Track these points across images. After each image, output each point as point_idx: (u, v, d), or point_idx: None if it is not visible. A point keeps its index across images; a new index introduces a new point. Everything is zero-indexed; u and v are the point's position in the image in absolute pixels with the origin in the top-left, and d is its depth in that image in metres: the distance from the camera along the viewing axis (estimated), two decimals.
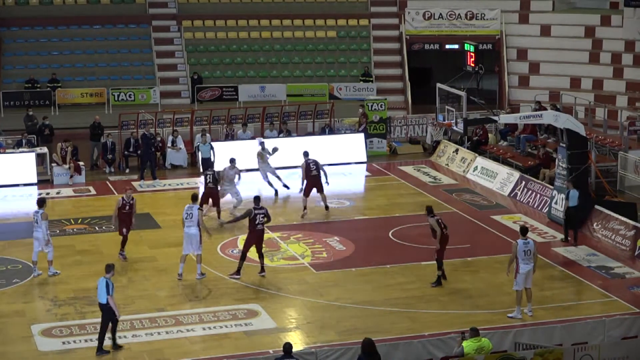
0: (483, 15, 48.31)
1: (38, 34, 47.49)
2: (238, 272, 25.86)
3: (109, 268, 21.74)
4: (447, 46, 48.31)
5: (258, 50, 48.28)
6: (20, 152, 36.41)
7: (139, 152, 37.46)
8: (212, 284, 25.60)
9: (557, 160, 31.22)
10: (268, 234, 29.52)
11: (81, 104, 44.37)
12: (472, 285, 25.58)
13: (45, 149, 36.92)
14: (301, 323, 23.34)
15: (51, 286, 25.50)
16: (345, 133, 40.29)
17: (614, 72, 45.43)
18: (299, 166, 32.29)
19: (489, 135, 39.89)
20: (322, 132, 40.28)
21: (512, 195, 33.80)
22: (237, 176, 31.89)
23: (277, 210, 32.11)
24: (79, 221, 30.98)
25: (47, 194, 34.15)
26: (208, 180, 30.96)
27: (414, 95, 46.62)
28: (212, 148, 35.13)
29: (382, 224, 30.57)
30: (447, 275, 25.83)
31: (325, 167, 31.93)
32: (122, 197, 27.36)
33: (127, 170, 37.37)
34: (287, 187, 33.73)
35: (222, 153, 37.15)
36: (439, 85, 39.63)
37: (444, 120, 37.86)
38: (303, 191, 31.60)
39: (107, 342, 21.69)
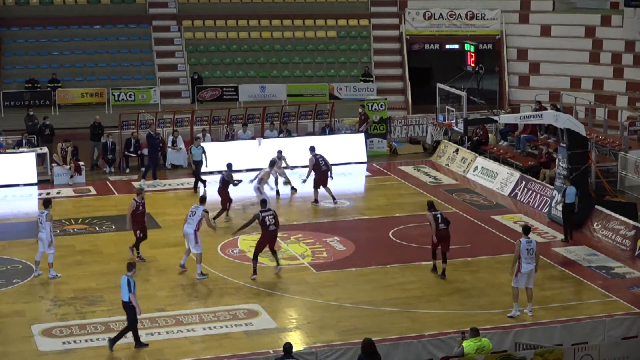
0: (483, 15, 48.31)
1: (38, 34, 47.49)
2: (255, 272, 25.98)
3: (131, 266, 21.84)
4: (448, 46, 48.32)
5: (258, 50, 48.28)
6: (21, 152, 36.41)
7: (139, 152, 37.54)
8: (213, 284, 25.61)
9: (557, 160, 31.22)
10: None
11: (81, 104, 44.37)
12: (472, 285, 25.58)
13: (45, 149, 36.92)
14: (301, 323, 23.34)
15: (51, 286, 25.50)
16: (345, 133, 40.28)
17: (614, 72, 45.44)
18: (306, 165, 32.96)
19: (489, 135, 39.89)
20: (323, 132, 40.28)
21: (512, 195, 33.80)
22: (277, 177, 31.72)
23: (277, 211, 32.08)
24: (79, 221, 30.97)
25: (48, 194, 34.15)
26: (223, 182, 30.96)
27: (414, 95, 46.62)
28: (204, 151, 34.96)
29: (382, 224, 30.57)
30: (446, 275, 25.85)
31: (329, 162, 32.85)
32: (135, 199, 27.19)
33: (128, 170, 37.36)
34: (295, 189, 33.92)
35: (222, 153, 37.24)
36: (439, 85, 39.63)
37: (444, 120, 37.86)
38: (314, 185, 32.46)
39: (114, 341, 21.72)
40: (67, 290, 25.19)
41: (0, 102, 43.53)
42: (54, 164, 35.88)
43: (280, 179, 33.99)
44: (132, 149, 37.48)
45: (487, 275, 26.24)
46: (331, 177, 32.76)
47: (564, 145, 30.21)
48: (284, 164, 34.37)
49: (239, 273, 26.30)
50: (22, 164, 35.73)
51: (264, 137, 38.43)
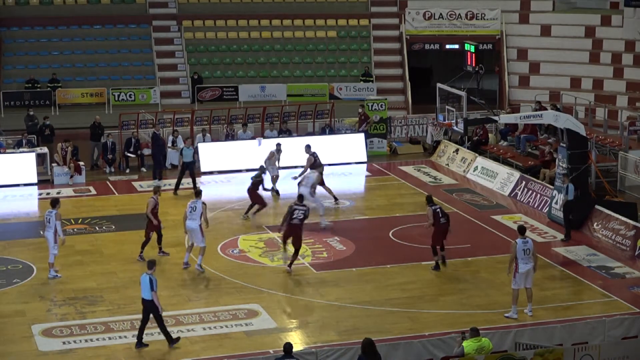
0: (483, 15, 48.33)
1: (38, 34, 47.52)
2: (290, 265, 26.53)
3: (152, 264, 21.87)
4: (448, 46, 48.35)
5: (258, 50, 48.30)
6: (21, 152, 36.41)
7: (139, 152, 37.56)
8: (213, 284, 25.62)
9: (557, 160, 31.22)
10: (268, 234, 29.60)
11: (81, 104, 44.41)
12: (472, 285, 25.58)
13: (45, 149, 36.93)
14: (301, 323, 23.34)
15: (51, 286, 25.50)
16: (345, 133, 40.28)
17: (614, 72, 45.46)
18: (303, 166, 32.89)
19: (489, 135, 39.89)
20: (323, 132, 40.28)
21: (512, 195, 33.80)
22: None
23: (278, 210, 32.12)
24: (79, 221, 30.97)
25: (48, 193, 34.17)
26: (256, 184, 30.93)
27: (414, 95, 46.64)
28: (196, 152, 34.88)
29: (382, 224, 30.56)
30: (448, 276, 25.88)
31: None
32: (153, 197, 27.20)
33: (128, 171, 37.37)
34: (278, 193, 33.73)
35: (223, 153, 37.34)
36: (439, 85, 39.62)
37: (444, 120, 37.87)
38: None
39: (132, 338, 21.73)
40: (68, 290, 25.19)
41: (1, 102, 43.56)
42: (54, 164, 35.88)
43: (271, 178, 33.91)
44: (132, 149, 37.48)
45: (487, 275, 26.24)
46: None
47: (564, 145, 30.21)
48: (276, 164, 34.23)
49: (239, 273, 26.31)
50: (22, 164, 35.73)
51: (264, 137, 38.43)
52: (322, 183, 32.44)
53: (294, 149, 35.70)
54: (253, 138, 38.35)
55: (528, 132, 38.50)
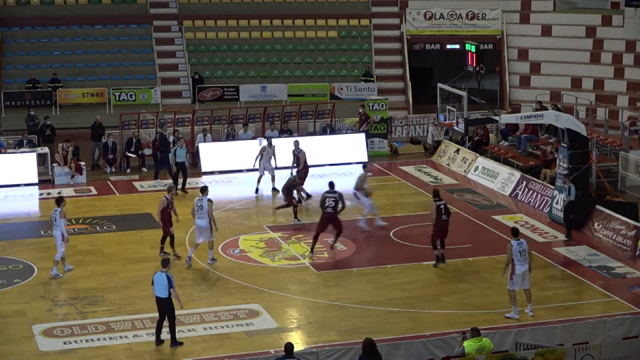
0: (484, 15, 48.34)
1: (39, 34, 47.53)
2: (312, 250, 27.31)
3: (166, 262, 21.92)
4: (448, 46, 48.37)
5: (259, 50, 48.31)
6: (22, 152, 36.41)
7: (139, 152, 37.56)
8: (214, 284, 25.62)
9: (558, 160, 31.22)
10: (269, 234, 29.60)
11: (82, 104, 44.42)
12: (473, 285, 25.59)
13: (46, 149, 36.94)
14: (302, 323, 23.35)
15: (52, 286, 25.51)
16: (346, 133, 40.28)
17: (614, 72, 45.46)
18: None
19: (490, 135, 39.88)
20: (323, 132, 40.29)
21: (513, 195, 33.80)
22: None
23: (278, 211, 32.13)
24: (80, 221, 30.96)
25: (49, 194, 34.20)
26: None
27: (415, 95, 46.64)
28: (187, 152, 34.87)
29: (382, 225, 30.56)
30: (448, 276, 25.90)
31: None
32: (165, 197, 27.17)
33: (129, 171, 37.36)
34: (277, 190, 33.76)
35: (223, 153, 37.32)
36: (440, 85, 39.62)
37: (445, 120, 37.87)
38: (300, 182, 32.49)
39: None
40: (68, 290, 25.21)
41: (1, 102, 43.58)
42: (54, 164, 35.88)
43: (267, 176, 33.86)
44: (132, 149, 37.49)
45: (487, 275, 26.24)
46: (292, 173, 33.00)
47: (565, 145, 30.21)
48: (273, 163, 34.17)
49: (240, 273, 26.32)
50: (23, 164, 35.73)
51: (265, 137, 38.39)
52: (301, 184, 32.54)
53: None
54: (254, 138, 38.33)
55: (529, 132, 38.50)
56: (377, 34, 49.59)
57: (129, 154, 37.54)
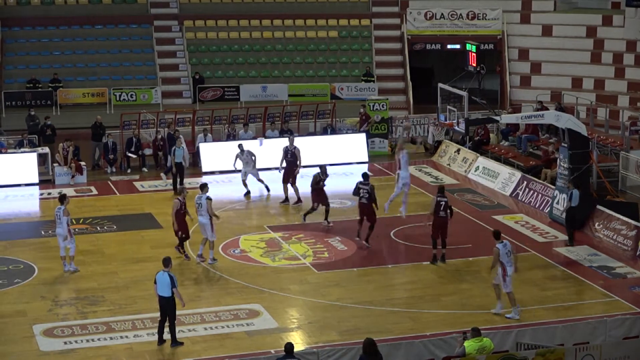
0: (484, 15, 48.34)
1: (39, 34, 47.54)
2: (359, 234, 28.33)
3: (168, 262, 21.94)
4: (449, 46, 48.39)
5: (259, 50, 48.32)
6: (22, 152, 36.41)
7: (140, 152, 37.57)
8: (214, 284, 25.62)
9: (558, 160, 31.21)
10: (270, 234, 29.60)
11: (83, 104, 44.44)
12: (473, 285, 25.57)
13: (46, 149, 36.94)
14: (303, 323, 23.34)
15: (53, 286, 25.51)
16: (347, 133, 40.29)
17: (615, 72, 45.46)
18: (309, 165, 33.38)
19: (491, 135, 39.88)
20: (324, 132, 40.29)
21: (513, 195, 33.80)
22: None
23: (279, 210, 32.14)
24: (81, 221, 30.95)
25: (49, 194, 34.20)
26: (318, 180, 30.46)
27: (416, 95, 46.64)
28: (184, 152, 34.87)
29: (383, 224, 30.50)
30: (449, 276, 25.89)
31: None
32: (178, 199, 27.15)
33: (129, 171, 37.37)
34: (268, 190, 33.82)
35: (224, 153, 37.25)
36: (440, 85, 39.62)
37: (446, 120, 37.86)
38: (292, 180, 32.66)
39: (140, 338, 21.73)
40: (69, 290, 25.21)
41: (2, 102, 43.59)
42: (55, 164, 35.88)
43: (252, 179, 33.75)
44: (133, 149, 37.50)
45: (488, 275, 26.09)
46: (280, 170, 33.13)
47: (566, 145, 30.20)
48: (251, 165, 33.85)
49: (240, 273, 26.32)
50: (24, 164, 35.73)
51: (266, 137, 38.42)
52: (293, 182, 32.54)
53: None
54: (254, 138, 38.33)
55: (529, 132, 38.49)
56: (377, 34, 49.59)
57: (130, 154, 37.54)
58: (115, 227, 30.53)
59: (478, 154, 37.21)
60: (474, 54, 41.09)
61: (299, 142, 37.07)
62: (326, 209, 30.34)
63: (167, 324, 21.80)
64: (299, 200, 32.57)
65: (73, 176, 35.69)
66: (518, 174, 34.35)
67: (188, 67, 47.09)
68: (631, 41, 45.56)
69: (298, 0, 50.67)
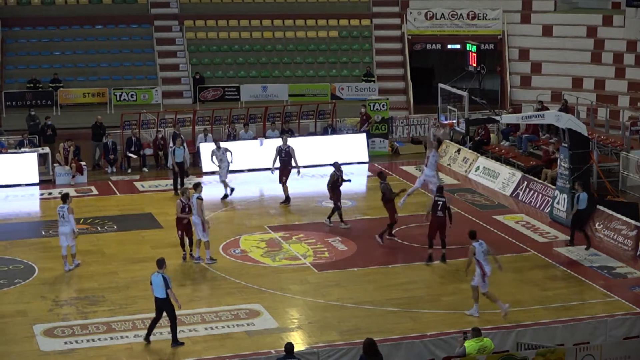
0: (485, 15, 48.35)
1: (40, 34, 47.54)
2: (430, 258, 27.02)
3: (162, 263, 21.89)
4: (449, 46, 48.40)
5: (260, 50, 48.32)
6: (22, 152, 36.41)
7: (140, 152, 37.58)
8: (215, 284, 25.63)
9: (559, 160, 31.21)
10: (270, 234, 29.61)
11: (83, 104, 44.43)
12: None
13: (47, 149, 36.96)
14: (303, 323, 23.35)
15: (53, 286, 25.51)
16: (347, 133, 40.29)
17: (615, 72, 45.47)
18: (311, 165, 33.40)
19: (491, 135, 39.88)
20: (325, 132, 40.28)
21: (514, 195, 33.80)
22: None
23: (280, 211, 32.15)
24: (81, 221, 30.91)
25: (50, 194, 34.21)
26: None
27: (416, 95, 46.64)
28: (185, 152, 34.82)
29: (384, 224, 30.46)
30: (449, 276, 25.90)
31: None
32: (181, 200, 27.06)
33: (129, 171, 37.38)
34: (232, 191, 33.63)
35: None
36: (441, 85, 39.63)
37: (446, 120, 37.86)
38: (284, 179, 32.51)
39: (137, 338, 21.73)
40: (69, 291, 25.22)
41: (2, 102, 43.60)
42: (55, 164, 35.88)
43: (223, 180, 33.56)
44: (132, 149, 37.50)
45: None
46: (273, 171, 33.01)
47: (566, 145, 30.20)
48: (229, 157, 33.59)
49: (240, 273, 26.33)
50: (24, 164, 35.73)
51: (266, 137, 38.43)
52: (285, 181, 32.47)
53: (295, 149, 35.62)
54: (255, 138, 38.34)
55: (530, 132, 38.49)
56: (378, 34, 49.59)
57: (130, 154, 37.54)
58: (115, 227, 30.54)
59: (478, 154, 37.21)
60: (474, 54, 41.10)
61: (300, 142, 37.20)
62: (334, 208, 30.28)
63: (168, 323, 21.80)
64: (287, 199, 32.48)
65: (73, 176, 35.69)
66: (518, 174, 34.35)
67: (188, 67, 47.09)
68: (631, 41, 45.56)
69: (298, 0, 50.67)
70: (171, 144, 37.19)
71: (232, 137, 38.60)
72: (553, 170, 33.26)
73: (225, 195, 33.33)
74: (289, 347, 18.88)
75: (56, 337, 22.39)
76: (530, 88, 46.48)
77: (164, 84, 46.06)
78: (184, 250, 27.21)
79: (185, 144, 35.35)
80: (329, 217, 30.35)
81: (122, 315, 23.44)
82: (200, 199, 26.78)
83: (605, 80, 45.37)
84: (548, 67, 47.01)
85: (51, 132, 38.39)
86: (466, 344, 19.37)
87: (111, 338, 22.22)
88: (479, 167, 36.36)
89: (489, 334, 20.22)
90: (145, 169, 37.49)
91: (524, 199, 33.26)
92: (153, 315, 22.78)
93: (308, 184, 34.73)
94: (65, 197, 26.74)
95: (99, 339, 22.25)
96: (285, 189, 32.60)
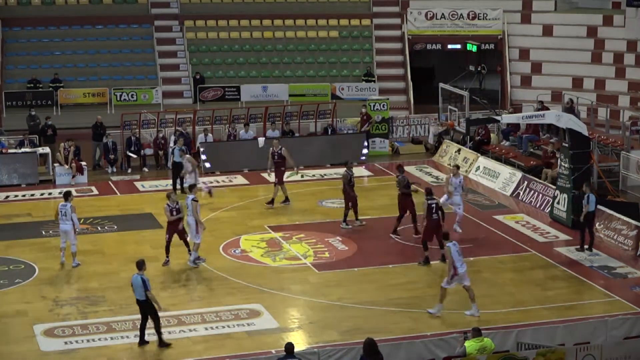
0: (485, 15, 48.34)
1: (40, 34, 47.53)
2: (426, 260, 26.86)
3: (141, 264, 21.85)
4: (450, 46, 48.38)
5: (260, 50, 48.31)
6: (23, 152, 36.40)
7: (141, 152, 37.59)
8: (215, 284, 25.62)
9: (559, 160, 31.21)
10: (270, 234, 29.60)
11: (83, 104, 44.44)
12: (474, 285, 25.45)
13: (47, 149, 36.96)
14: (303, 323, 23.34)
15: (53, 286, 25.51)
16: (347, 133, 40.28)
17: (616, 72, 45.46)
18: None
19: (492, 135, 39.87)
20: (325, 132, 40.28)
21: (514, 195, 33.80)
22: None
23: (280, 211, 32.14)
24: (81, 221, 30.84)
25: (50, 194, 34.21)
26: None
27: (416, 95, 46.63)
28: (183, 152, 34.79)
29: (384, 224, 30.52)
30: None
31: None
32: (167, 203, 26.85)
33: (129, 170, 37.39)
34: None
35: (224, 153, 37.32)
36: (441, 85, 39.63)
37: (447, 120, 37.86)
38: (279, 181, 32.33)
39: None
40: (69, 291, 25.22)
41: (3, 102, 43.59)
42: (56, 164, 35.88)
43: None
44: (132, 149, 37.50)
45: (489, 275, 26.23)
46: (269, 174, 32.97)
47: (566, 145, 30.20)
48: (188, 166, 32.85)
49: (241, 273, 26.32)
50: (24, 164, 35.69)
51: (266, 137, 38.42)
52: (281, 182, 32.32)
53: (295, 149, 35.65)
54: (255, 138, 38.34)
55: (530, 132, 38.48)
56: (378, 33, 49.58)
57: (130, 154, 37.54)
58: (115, 227, 30.54)
59: (479, 154, 37.21)
60: (475, 54, 41.07)
61: (300, 142, 37.23)
62: (352, 209, 30.19)
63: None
64: (271, 201, 32.34)
65: (74, 176, 35.71)
66: (519, 174, 34.35)
67: (189, 67, 47.09)
68: (632, 41, 45.56)
69: (298, 0, 50.66)
70: (172, 144, 37.37)
71: (233, 137, 38.61)
72: (553, 170, 33.26)
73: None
74: (289, 347, 18.87)
75: (56, 337, 22.39)
76: (530, 88, 46.47)
77: (164, 84, 46.06)
78: (168, 256, 26.96)
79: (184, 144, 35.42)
80: (347, 219, 30.31)
81: (123, 315, 23.43)
82: (195, 200, 26.69)
83: (605, 80, 45.37)
84: (548, 67, 47.00)
85: (51, 132, 38.40)
86: (466, 344, 19.37)
87: (111, 338, 22.22)
88: (479, 167, 36.35)
89: (489, 334, 20.22)
90: (146, 169, 37.50)
91: (524, 199, 33.26)
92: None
93: (308, 184, 34.71)
94: (67, 195, 26.84)
95: (100, 339, 22.25)
96: (283, 190, 32.40)
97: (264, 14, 49.63)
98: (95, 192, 34.86)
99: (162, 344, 21.72)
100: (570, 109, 37.52)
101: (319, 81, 47.01)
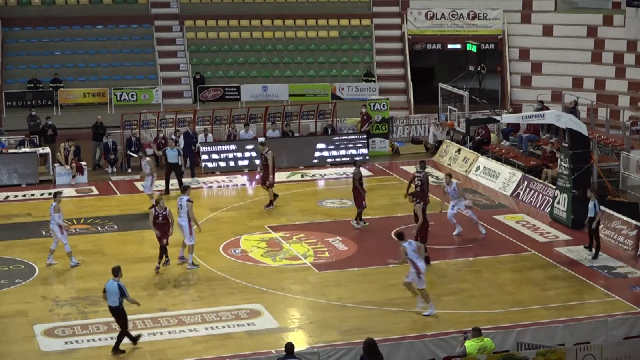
0: (485, 15, 48.35)
1: (40, 34, 47.55)
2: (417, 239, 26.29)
3: (117, 271, 21.61)
4: (450, 46, 48.40)
5: (260, 50, 48.32)
6: (23, 152, 36.41)
7: (140, 152, 37.59)
8: (215, 284, 25.61)
9: (559, 160, 31.21)
10: (270, 234, 29.60)
11: (83, 104, 44.45)
12: (474, 285, 25.57)
13: (47, 149, 36.97)
14: (303, 323, 23.34)
15: (53, 286, 25.52)
16: (347, 133, 40.27)
17: (616, 71, 45.48)
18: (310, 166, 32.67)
19: (491, 135, 39.87)
20: (325, 132, 40.27)
21: (514, 195, 33.80)
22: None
23: (280, 211, 32.14)
24: (81, 221, 30.98)
25: (50, 194, 34.17)
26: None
27: (417, 95, 46.64)
28: (180, 154, 34.63)
29: (384, 224, 30.53)
30: (450, 276, 25.89)
31: None
32: (155, 208, 26.68)
33: (129, 170, 37.40)
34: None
35: (224, 153, 37.32)
36: (441, 85, 39.62)
37: (447, 120, 37.86)
38: (263, 182, 32.27)
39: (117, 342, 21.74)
40: (69, 291, 25.21)
41: (3, 102, 43.60)
42: (56, 164, 35.89)
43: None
44: (132, 149, 37.51)
45: (489, 275, 26.24)
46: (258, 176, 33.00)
47: (566, 145, 30.20)
48: (146, 168, 32.23)
49: (241, 273, 26.32)
50: (24, 164, 35.69)
51: (266, 137, 38.41)
52: (268, 185, 32.22)
53: (296, 149, 35.70)
54: (255, 138, 38.34)
55: (530, 132, 38.48)
56: (378, 33, 49.60)
57: (131, 154, 37.55)
58: (116, 227, 30.54)
59: (479, 154, 37.21)
60: (475, 54, 41.07)
61: (300, 142, 37.22)
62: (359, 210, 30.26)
63: (154, 325, 21.81)
64: (270, 204, 32.30)
65: (74, 176, 35.71)
66: (519, 174, 34.35)
67: (189, 67, 47.10)
68: (632, 41, 45.57)
69: (298, 0, 50.67)
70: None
71: (233, 137, 38.61)
72: (553, 170, 33.26)
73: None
74: (290, 347, 18.87)
75: (56, 337, 22.39)
76: (530, 88, 46.49)
77: (164, 84, 46.07)
78: (167, 257, 26.82)
79: (180, 145, 35.45)
80: (357, 219, 30.28)
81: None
82: (190, 201, 26.59)
83: (605, 80, 45.38)
84: (548, 67, 47.02)
85: (52, 132, 38.40)
86: (466, 343, 19.37)
87: (111, 338, 22.18)
88: (479, 167, 36.36)
89: (489, 334, 20.21)
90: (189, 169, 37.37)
91: (524, 199, 33.26)
92: (153, 315, 22.89)
93: (308, 184, 34.70)
94: (55, 194, 26.83)
95: (100, 339, 22.25)
96: (269, 193, 32.28)
97: (264, 14, 49.65)
98: (96, 192, 34.87)
99: (117, 351, 21.50)
100: (573, 109, 37.53)
101: (319, 81, 47.03)
